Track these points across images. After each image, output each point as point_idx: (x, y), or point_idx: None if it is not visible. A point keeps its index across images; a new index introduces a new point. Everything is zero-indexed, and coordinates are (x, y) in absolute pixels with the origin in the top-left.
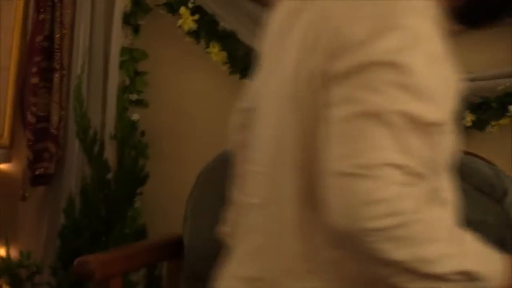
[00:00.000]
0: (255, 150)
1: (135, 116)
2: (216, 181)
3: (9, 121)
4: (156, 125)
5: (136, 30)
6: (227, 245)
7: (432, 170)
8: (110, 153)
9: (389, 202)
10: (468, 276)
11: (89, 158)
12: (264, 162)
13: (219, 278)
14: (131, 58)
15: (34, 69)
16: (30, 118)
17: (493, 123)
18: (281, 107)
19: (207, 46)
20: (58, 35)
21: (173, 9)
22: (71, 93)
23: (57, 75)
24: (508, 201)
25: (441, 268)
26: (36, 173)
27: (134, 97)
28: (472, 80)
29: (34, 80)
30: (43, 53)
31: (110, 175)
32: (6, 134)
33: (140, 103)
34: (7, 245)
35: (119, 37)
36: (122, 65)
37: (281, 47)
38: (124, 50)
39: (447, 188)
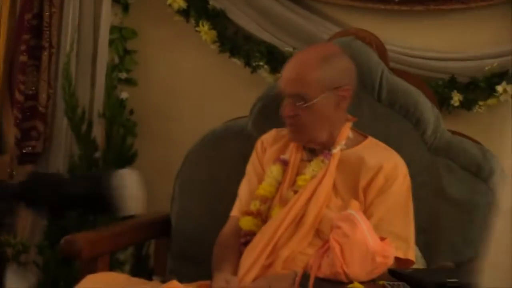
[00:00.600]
0: None
1: (124, 95)
2: (204, 161)
3: None
4: (145, 104)
5: (125, 8)
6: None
7: None
8: (98, 132)
9: None
10: None
11: (77, 137)
12: None
13: None
14: (121, 36)
15: (23, 47)
16: (18, 96)
17: (480, 103)
18: None
19: (197, 25)
20: (47, 13)
21: None
22: (59, 71)
23: (45, 53)
24: (495, 180)
25: None
26: (24, 151)
27: (123, 75)
28: (460, 60)
29: (23, 58)
30: (32, 31)
31: (98, 154)
32: None
33: (129, 82)
34: None
35: (108, 16)
36: (111, 43)
37: None
38: (113, 29)
39: None
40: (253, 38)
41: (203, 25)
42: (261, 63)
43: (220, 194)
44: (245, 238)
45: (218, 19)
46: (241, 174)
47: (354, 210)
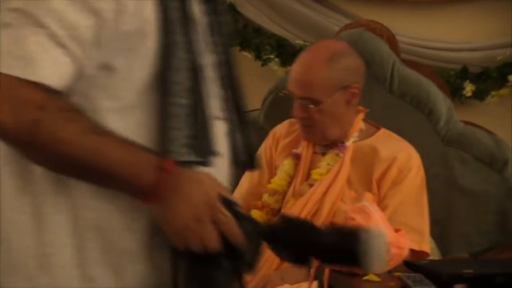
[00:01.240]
0: None
1: None
2: None
3: None
4: None
5: None
6: None
7: None
8: None
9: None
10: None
11: None
12: None
13: None
14: None
15: None
16: None
17: (493, 93)
18: None
19: None
20: None
21: None
22: None
23: None
24: (509, 170)
25: None
26: None
27: None
28: (471, 50)
29: None
30: None
31: None
32: None
33: None
34: None
35: None
36: None
37: None
38: None
39: None
40: (263, 31)
41: None
42: (271, 56)
43: (233, 187)
44: None
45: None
46: None
47: (368, 202)
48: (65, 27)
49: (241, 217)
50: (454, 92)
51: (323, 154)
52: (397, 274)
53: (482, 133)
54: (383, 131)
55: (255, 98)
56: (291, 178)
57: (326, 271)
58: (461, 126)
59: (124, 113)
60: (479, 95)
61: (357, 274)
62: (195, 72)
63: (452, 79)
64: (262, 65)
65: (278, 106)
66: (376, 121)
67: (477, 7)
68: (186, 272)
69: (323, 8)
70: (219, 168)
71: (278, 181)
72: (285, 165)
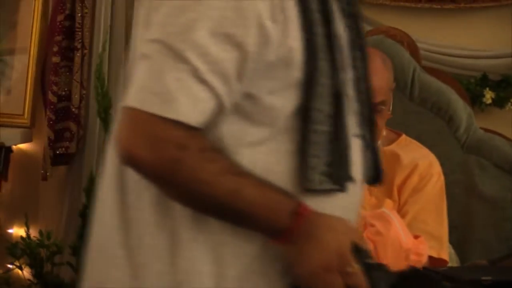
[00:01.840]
0: None
1: None
2: None
3: (30, 101)
4: None
5: None
6: None
7: None
8: None
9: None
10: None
11: (110, 137)
12: None
13: None
14: None
15: (55, 48)
16: (51, 97)
17: None
18: None
19: None
20: (79, 14)
21: None
22: (92, 72)
23: (78, 54)
24: None
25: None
26: (57, 152)
27: None
28: (491, 57)
29: (55, 59)
30: (64, 32)
31: None
32: (27, 113)
33: None
34: (27, 225)
35: None
36: None
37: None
38: None
39: None
40: None
41: None
42: None
43: None
44: None
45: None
46: None
47: (388, 208)
48: (208, 61)
49: (372, 268)
50: (474, 99)
51: None
52: None
53: (502, 141)
54: (404, 137)
55: None
56: None
57: None
58: (481, 133)
59: (265, 142)
60: (499, 102)
61: None
62: (338, 97)
63: (472, 86)
64: None
65: None
66: (396, 127)
67: (498, 14)
68: None
69: None
70: (355, 193)
71: None
72: None
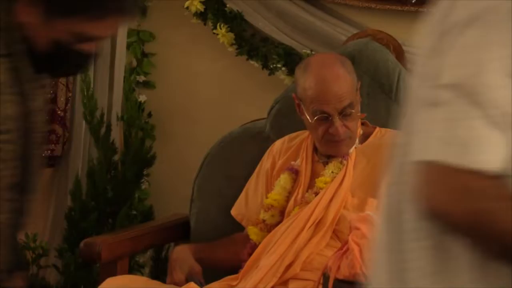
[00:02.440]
0: None
1: (142, 98)
2: (223, 163)
3: None
4: (163, 107)
5: (143, 11)
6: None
7: None
8: (117, 135)
9: None
10: None
11: (96, 140)
12: None
13: None
14: (138, 39)
15: None
16: None
17: None
18: None
19: (214, 27)
20: None
21: None
22: (78, 75)
23: None
24: None
25: None
26: (43, 155)
27: (141, 78)
28: None
29: None
30: None
31: (117, 157)
32: None
33: (147, 85)
34: None
35: None
36: (129, 46)
37: None
38: (131, 32)
39: None
40: (271, 40)
41: (220, 28)
42: (278, 65)
43: (239, 196)
44: (251, 250)
45: (235, 21)
46: None
47: (372, 210)
48: (499, 105)
49: None
50: None
51: (325, 162)
52: None
53: None
54: (378, 129)
55: (262, 107)
56: (289, 192)
57: (331, 281)
58: None
59: None
60: None
61: (362, 284)
62: None
63: None
64: (270, 74)
65: (285, 116)
66: None
67: None
68: None
69: (330, 18)
70: None
71: (274, 196)
72: (282, 179)
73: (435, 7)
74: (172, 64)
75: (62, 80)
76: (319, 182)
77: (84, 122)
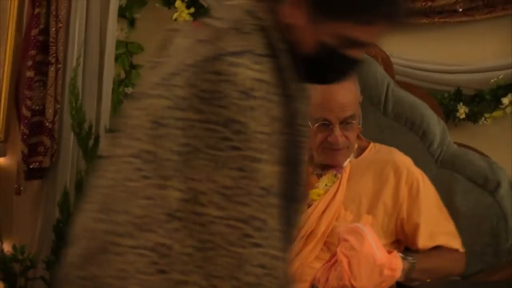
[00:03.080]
0: None
1: None
2: None
3: (4, 115)
4: None
5: (131, 23)
6: None
7: None
8: None
9: None
10: None
11: (84, 152)
12: None
13: None
14: (127, 51)
15: (29, 63)
16: (25, 112)
17: (486, 115)
18: None
19: None
20: (53, 29)
21: (168, 2)
22: (66, 86)
23: (52, 69)
24: (501, 192)
25: None
26: (31, 166)
27: (129, 90)
28: (465, 72)
29: (29, 73)
30: (39, 47)
31: None
32: (0, 128)
33: None
34: (0, 239)
35: (114, 31)
36: (117, 58)
37: None
38: (119, 44)
39: None
40: None
41: None
42: None
43: None
44: None
45: None
46: None
47: (365, 224)
48: None
49: None
50: (448, 114)
51: (319, 175)
52: None
53: (476, 155)
54: (372, 145)
55: None
56: None
57: None
58: (454, 148)
59: None
60: (472, 117)
61: None
62: None
63: (446, 101)
64: None
65: None
66: None
67: (471, 29)
68: None
69: None
70: None
71: None
72: None
73: None
74: None
75: (51, 91)
76: (313, 194)
77: (72, 134)
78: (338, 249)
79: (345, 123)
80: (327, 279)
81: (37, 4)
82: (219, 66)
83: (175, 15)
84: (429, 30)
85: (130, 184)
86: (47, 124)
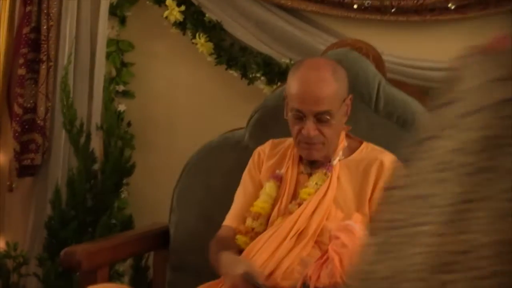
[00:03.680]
0: None
1: (121, 107)
2: (202, 172)
3: None
4: (143, 116)
5: (122, 21)
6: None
7: None
8: (96, 144)
9: None
10: None
11: (75, 149)
12: None
13: None
14: (118, 49)
15: (21, 61)
16: (17, 109)
17: None
18: None
19: (193, 37)
20: (45, 27)
21: (159, 0)
22: (57, 84)
23: (43, 67)
24: None
25: None
26: (23, 164)
27: (120, 88)
28: None
29: (21, 71)
30: (30, 45)
31: (96, 166)
32: None
33: (126, 94)
34: None
35: (105, 29)
36: (108, 56)
37: None
38: (110, 41)
39: None
40: (250, 50)
41: (199, 37)
42: (257, 75)
43: (218, 205)
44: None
45: (214, 31)
46: (238, 185)
47: (358, 223)
48: None
49: None
50: None
51: (309, 174)
52: None
53: None
54: (365, 144)
55: (241, 116)
56: (274, 200)
57: None
58: None
59: None
60: None
61: None
62: None
63: None
64: (249, 83)
65: (264, 125)
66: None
67: (463, 27)
68: None
69: (309, 27)
70: None
71: (260, 204)
72: (268, 187)
73: None
74: (151, 74)
75: (42, 89)
76: (303, 193)
77: (63, 131)
78: (329, 247)
79: (318, 118)
80: (318, 277)
81: (29, 2)
82: None
83: (165, 13)
84: (420, 28)
85: None
86: (38, 121)
